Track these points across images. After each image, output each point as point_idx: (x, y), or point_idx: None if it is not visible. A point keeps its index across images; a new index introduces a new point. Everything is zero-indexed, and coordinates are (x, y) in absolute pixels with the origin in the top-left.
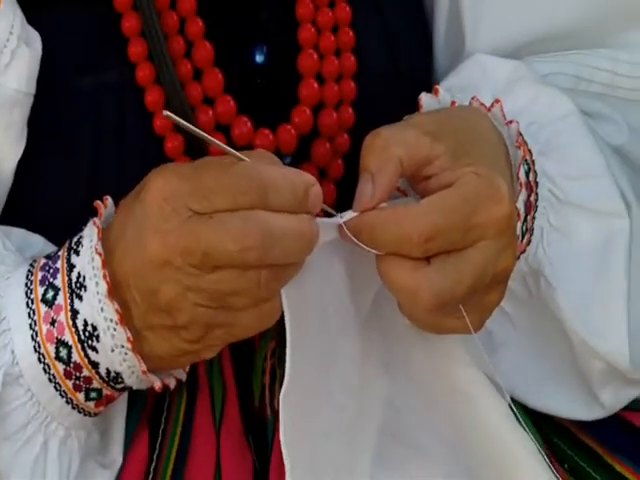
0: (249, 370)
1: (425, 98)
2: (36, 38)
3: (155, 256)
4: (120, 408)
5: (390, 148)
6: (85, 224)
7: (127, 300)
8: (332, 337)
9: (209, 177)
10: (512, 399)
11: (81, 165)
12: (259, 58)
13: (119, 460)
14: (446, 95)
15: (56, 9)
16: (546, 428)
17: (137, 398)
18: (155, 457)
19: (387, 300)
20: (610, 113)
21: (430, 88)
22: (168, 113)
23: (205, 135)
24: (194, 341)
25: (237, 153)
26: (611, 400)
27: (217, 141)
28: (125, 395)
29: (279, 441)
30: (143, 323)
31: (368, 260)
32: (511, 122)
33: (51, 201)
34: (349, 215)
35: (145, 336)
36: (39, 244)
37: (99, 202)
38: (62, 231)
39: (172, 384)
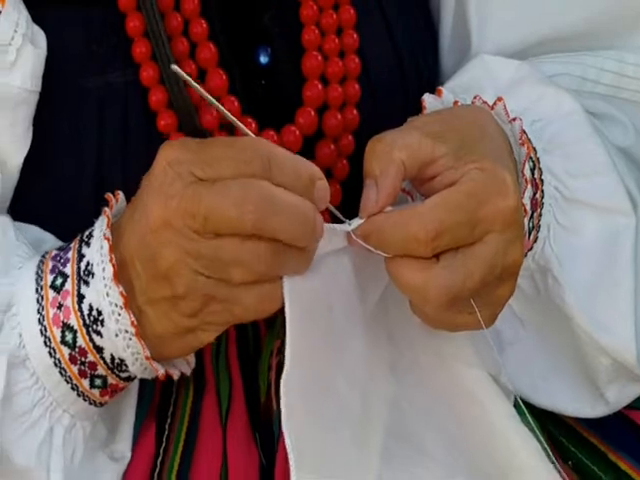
0: (255, 367)
1: (428, 99)
2: (41, 36)
3: (156, 217)
4: (130, 402)
5: (392, 152)
6: (92, 224)
7: (131, 277)
8: (338, 334)
9: (214, 148)
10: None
11: (86, 164)
12: (263, 59)
13: (128, 455)
14: (449, 96)
15: (61, 8)
16: (550, 426)
17: (145, 393)
18: (162, 451)
19: (394, 301)
20: (616, 114)
21: (435, 89)
22: (176, 67)
23: (211, 99)
24: (192, 315)
25: (244, 128)
26: (616, 397)
27: (223, 108)
28: (135, 389)
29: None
30: (144, 297)
31: (375, 259)
32: (514, 120)
33: (58, 200)
34: (357, 222)
35: (146, 313)
36: (51, 241)
37: (110, 195)
38: (70, 231)
39: (175, 375)
